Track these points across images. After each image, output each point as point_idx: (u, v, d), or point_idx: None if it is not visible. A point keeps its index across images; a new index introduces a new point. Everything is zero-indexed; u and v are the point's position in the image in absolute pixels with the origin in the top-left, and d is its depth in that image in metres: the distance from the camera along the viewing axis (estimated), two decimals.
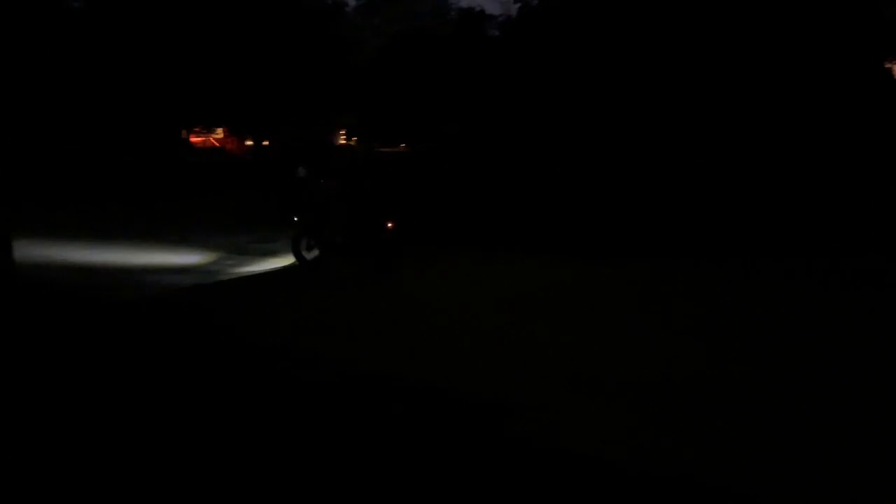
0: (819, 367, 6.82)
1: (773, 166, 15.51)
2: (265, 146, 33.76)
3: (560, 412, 5.66)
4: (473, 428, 5.37)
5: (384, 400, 6.08)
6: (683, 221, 14.67)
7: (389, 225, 12.27)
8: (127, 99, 26.18)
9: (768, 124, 15.89)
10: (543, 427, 5.36)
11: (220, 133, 36.88)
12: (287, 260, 13.31)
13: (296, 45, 28.83)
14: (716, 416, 5.49)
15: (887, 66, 16.45)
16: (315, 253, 12.74)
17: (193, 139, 35.53)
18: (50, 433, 5.07)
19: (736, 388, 6.23)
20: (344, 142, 34.09)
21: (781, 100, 15.85)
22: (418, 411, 5.75)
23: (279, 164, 24.33)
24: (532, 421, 5.49)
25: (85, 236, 15.30)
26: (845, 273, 11.45)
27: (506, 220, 15.70)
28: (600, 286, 11.34)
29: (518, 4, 26.31)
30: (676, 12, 16.69)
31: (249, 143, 36.01)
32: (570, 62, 17.82)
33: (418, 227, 14.86)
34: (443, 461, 4.69)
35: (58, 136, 25.29)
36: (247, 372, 6.81)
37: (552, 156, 17.28)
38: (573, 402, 5.95)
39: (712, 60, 16.23)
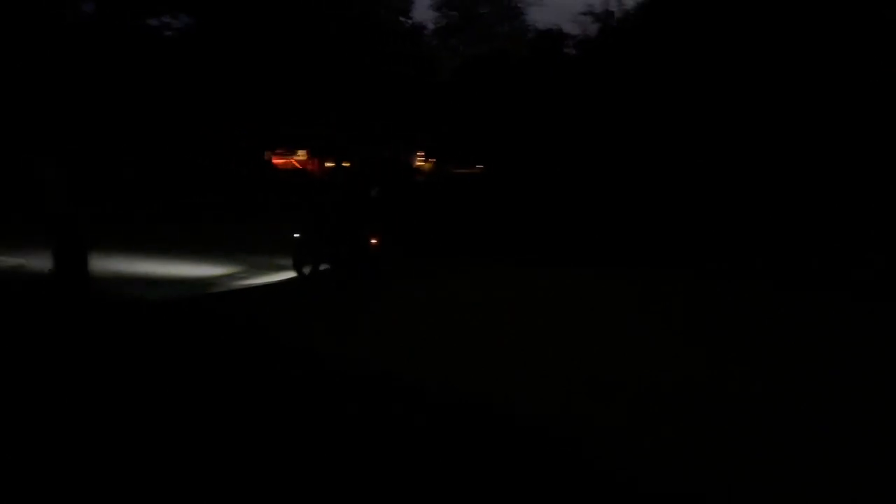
0: (818, 368, 6.81)
1: (770, 171, 15.58)
2: (344, 167, 34.32)
3: (558, 411, 5.71)
4: (473, 427, 5.36)
5: (380, 399, 6.08)
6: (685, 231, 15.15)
7: (374, 241, 13.16)
8: (213, 122, 27.14)
9: (765, 132, 15.83)
10: (540, 425, 5.39)
11: (302, 155, 37.77)
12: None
13: (375, 67, 29.29)
14: (713, 419, 5.47)
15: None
16: (310, 268, 13.46)
17: (276, 161, 36.52)
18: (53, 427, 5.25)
19: (734, 388, 6.22)
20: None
21: (777, 106, 15.77)
22: (415, 411, 5.77)
23: (355, 185, 24.65)
24: (530, 419, 5.52)
25: (145, 250, 16.90)
26: (844, 274, 11.60)
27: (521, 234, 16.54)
28: (599, 292, 11.83)
29: (597, 25, 26.04)
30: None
31: (330, 164, 36.73)
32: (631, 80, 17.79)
33: (442, 239, 16.14)
34: (442, 460, 4.67)
35: (142, 154, 26.47)
36: (244, 363, 7.05)
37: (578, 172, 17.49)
38: (571, 400, 6.00)
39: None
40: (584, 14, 26.75)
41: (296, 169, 38.06)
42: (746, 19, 16.42)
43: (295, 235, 13.46)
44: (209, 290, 12.82)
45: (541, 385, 6.38)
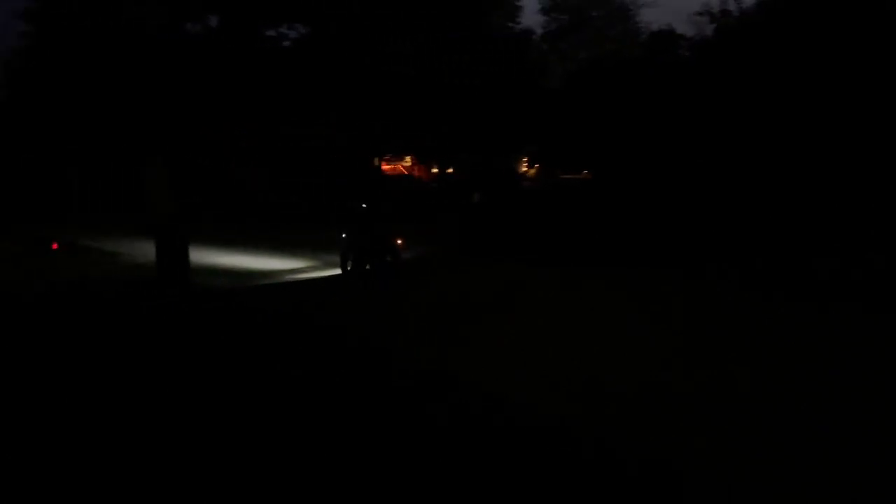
0: (818, 368, 6.76)
1: (775, 175, 15.86)
2: (449, 173, 34.56)
3: (560, 410, 5.74)
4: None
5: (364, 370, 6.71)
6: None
7: (399, 241, 14.30)
8: (323, 130, 27.87)
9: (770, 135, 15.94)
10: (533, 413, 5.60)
11: (408, 161, 38.36)
12: None
13: (483, 73, 29.24)
14: (713, 419, 5.42)
15: None
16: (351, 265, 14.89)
17: (384, 166, 37.24)
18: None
19: (734, 388, 6.19)
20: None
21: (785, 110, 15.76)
22: (412, 390, 6.23)
23: (460, 191, 24.83)
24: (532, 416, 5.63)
25: (237, 245, 19.27)
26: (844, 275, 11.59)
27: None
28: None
29: (713, 25, 24.95)
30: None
31: (435, 170, 37.09)
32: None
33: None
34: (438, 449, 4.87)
35: (251, 157, 27.73)
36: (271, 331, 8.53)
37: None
38: (563, 393, 6.13)
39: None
40: (700, 14, 25.76)
41: (402, 174, 38.78)
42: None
43: (342, 235, 14.82)
44: (265, 281, 14.79)
45: (542, 384, 6.43)
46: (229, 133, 25.42)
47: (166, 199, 12.87)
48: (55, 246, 18.31)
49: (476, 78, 28.83)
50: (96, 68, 22.23)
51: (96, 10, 19.89)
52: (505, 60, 30.10)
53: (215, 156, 25.97)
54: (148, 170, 13.27)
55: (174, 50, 13.77)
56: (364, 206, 15.16)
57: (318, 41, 29.41)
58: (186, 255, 13.19)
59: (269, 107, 26.39)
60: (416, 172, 38.35)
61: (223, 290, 13.03)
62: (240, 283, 14.26)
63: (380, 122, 28.53)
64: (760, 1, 22.23)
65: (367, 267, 14.26)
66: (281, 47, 30.33)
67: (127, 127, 14.21)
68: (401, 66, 27.95)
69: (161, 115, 13.38)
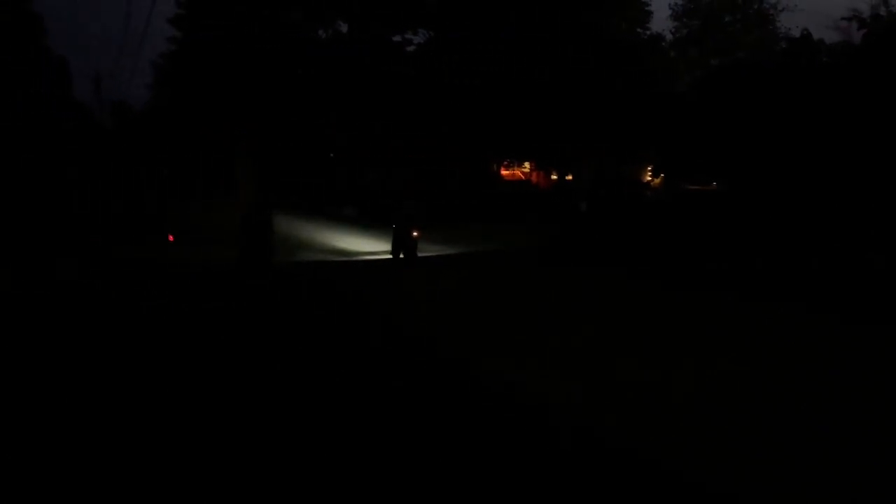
0: (818, 368, 6.78)
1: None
2: (568, 180, 34.09)
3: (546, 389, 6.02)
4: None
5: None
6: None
7: (416, 234, 16.66)
8: (447, 136, 28.19)
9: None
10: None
11: (526, 166, 38.21)
12: None
13: (607, 80, 28.63)
14: (713, 419, 5.43)
15: None
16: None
17: (503, 171, 37.29)
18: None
19: (734, 388, 6.14)
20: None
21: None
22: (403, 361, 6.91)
23: (571, 198, 24.58)
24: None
25: (334, 228, 22.78)
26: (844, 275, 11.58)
27: None
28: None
29: (862, 32, 23.26)
30: None
31: (554, 176, 36.71)
32: None
33: None
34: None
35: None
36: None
37: None
38: (557, 377, 6.36)
39: None
40: (848, 19, 24.11)
41: (520, 179, 38.68)
42: None
43: (393, 226, 17.11)
44: (338, 259, 17.57)
45: (542, 375, 6.45)
46: (358, 138, 26.28)
47: (251, 190, 13.73)
48: (171, 238, 21.08)
49: (599, 84, 28.26)
50: (230, 69, 23.48)
51: (236, 15, 21.06)
52: (630, 66, 29.34)
53: (348, 159, 26.96)
54: (240, 162, 14.10)
55: (306, 54, 14.49)
56: (406, 203, 17.52)
57: (441, 47, 29.79)
58: (268, 238, 13.96)
59: (393, 112, 26.99)
60: (534, 178, 38.14)
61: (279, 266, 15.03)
62: (310, 258, 17.39)
63: (500, 128, 28.53)
64: None
65: (401, 255, 16.80)
66: (406, 52, 30.96)
67: (243, 121, 15.23)
68: (520, 72, 27.83)
69: (270, 111, 14.24)
